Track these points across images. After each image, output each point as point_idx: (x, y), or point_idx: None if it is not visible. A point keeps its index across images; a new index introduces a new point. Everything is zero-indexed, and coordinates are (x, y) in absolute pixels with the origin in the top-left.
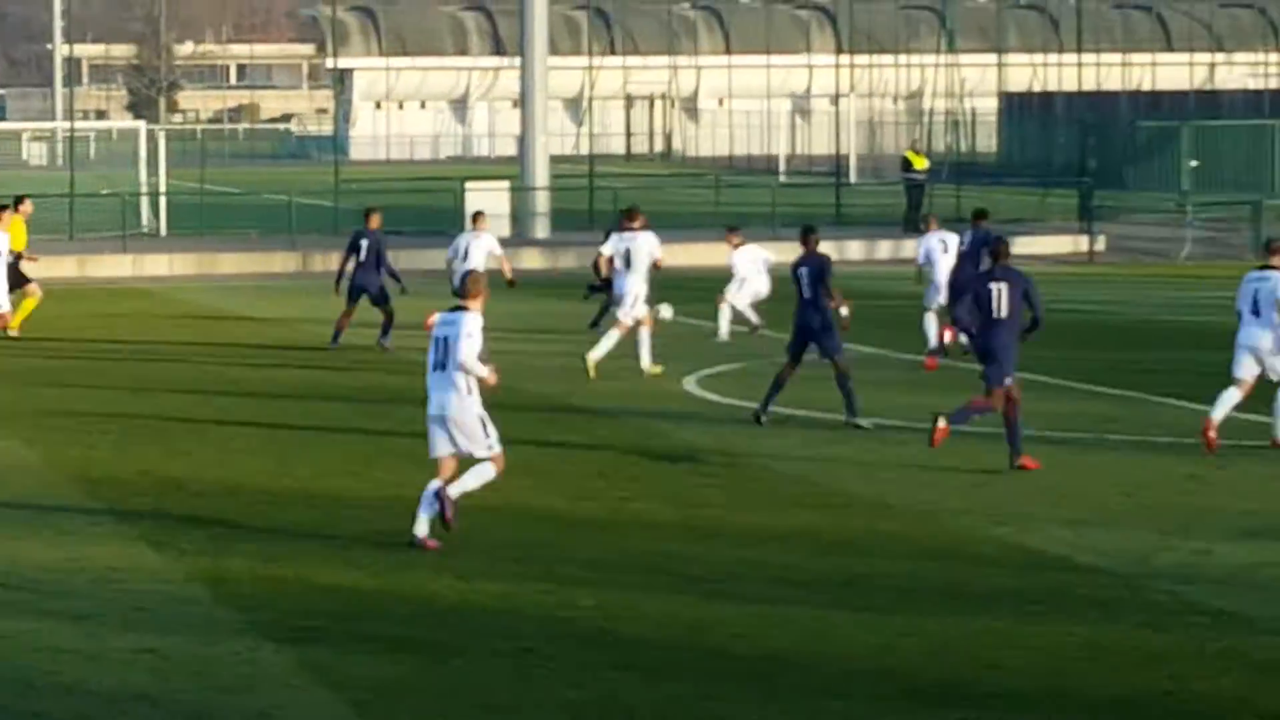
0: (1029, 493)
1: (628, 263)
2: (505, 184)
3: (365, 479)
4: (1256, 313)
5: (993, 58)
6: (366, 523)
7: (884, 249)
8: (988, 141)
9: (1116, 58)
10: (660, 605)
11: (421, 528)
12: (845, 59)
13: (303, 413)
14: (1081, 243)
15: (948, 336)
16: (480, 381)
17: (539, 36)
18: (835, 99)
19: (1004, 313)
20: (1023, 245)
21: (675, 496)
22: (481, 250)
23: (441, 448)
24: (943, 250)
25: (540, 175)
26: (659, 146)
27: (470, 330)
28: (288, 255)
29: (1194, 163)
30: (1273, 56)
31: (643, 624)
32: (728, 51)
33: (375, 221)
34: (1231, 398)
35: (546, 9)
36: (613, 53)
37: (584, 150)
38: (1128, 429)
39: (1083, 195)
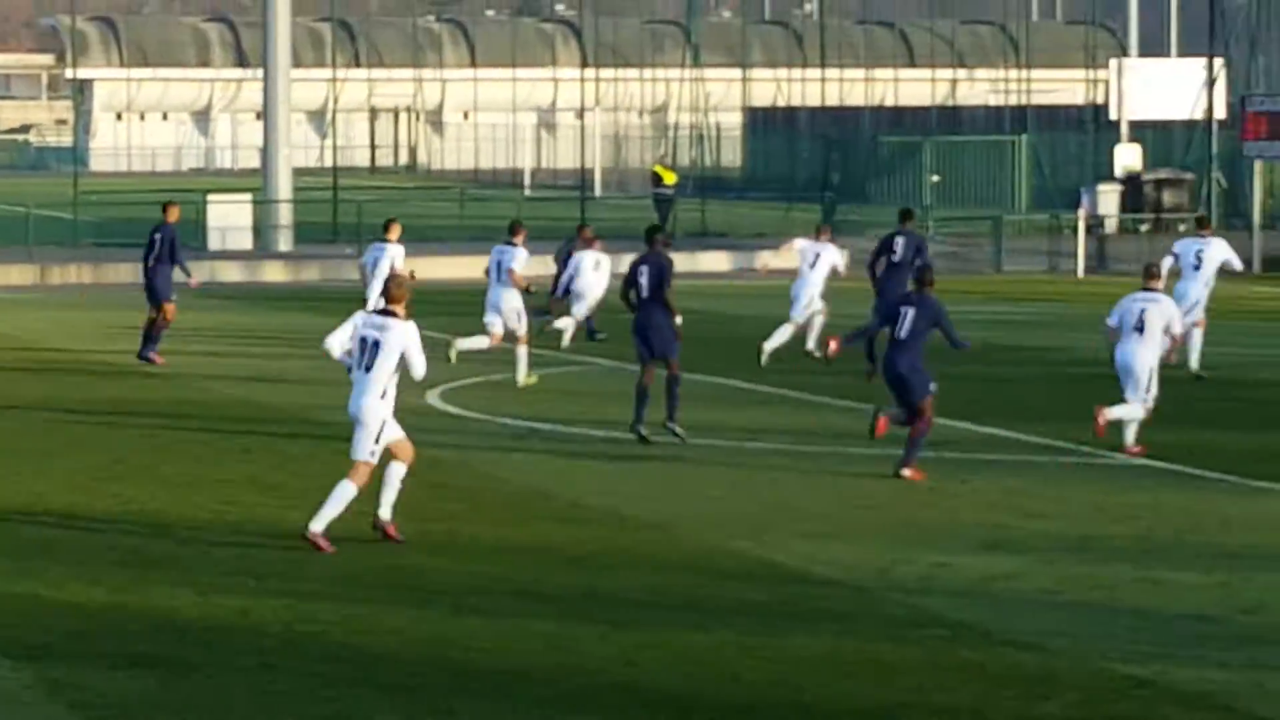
0: (768, 506)
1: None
2: (247, 197)
3: (100, 494)
4: (1140, 330)
5: (737, 73)
6: (104, 538)
7: (628, 263)
8: (732, 156)
9: (860, 73)
10: (401, 619)
11: (384, 511)
12: (590, 73)
13: (40, 427)
14: None
15: (832, 346)
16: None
17: (282, 48)
18: (580, 113)
19: (904, 334)
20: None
21: (417, 510)
22: (389, 258)
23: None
24: (810, 266)
25: (283, 188)
26: (404, 159)
27: (409, 345)
28: (25, 268)
29: (935, 178)
30: (1013, 73)
31: (384, 638)
32: (473, 64)
33: (173, 215)
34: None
35: (289, 21)
36: (357, 65)
37: (328, 163)
38: (868, 442)
39: (826, 210)
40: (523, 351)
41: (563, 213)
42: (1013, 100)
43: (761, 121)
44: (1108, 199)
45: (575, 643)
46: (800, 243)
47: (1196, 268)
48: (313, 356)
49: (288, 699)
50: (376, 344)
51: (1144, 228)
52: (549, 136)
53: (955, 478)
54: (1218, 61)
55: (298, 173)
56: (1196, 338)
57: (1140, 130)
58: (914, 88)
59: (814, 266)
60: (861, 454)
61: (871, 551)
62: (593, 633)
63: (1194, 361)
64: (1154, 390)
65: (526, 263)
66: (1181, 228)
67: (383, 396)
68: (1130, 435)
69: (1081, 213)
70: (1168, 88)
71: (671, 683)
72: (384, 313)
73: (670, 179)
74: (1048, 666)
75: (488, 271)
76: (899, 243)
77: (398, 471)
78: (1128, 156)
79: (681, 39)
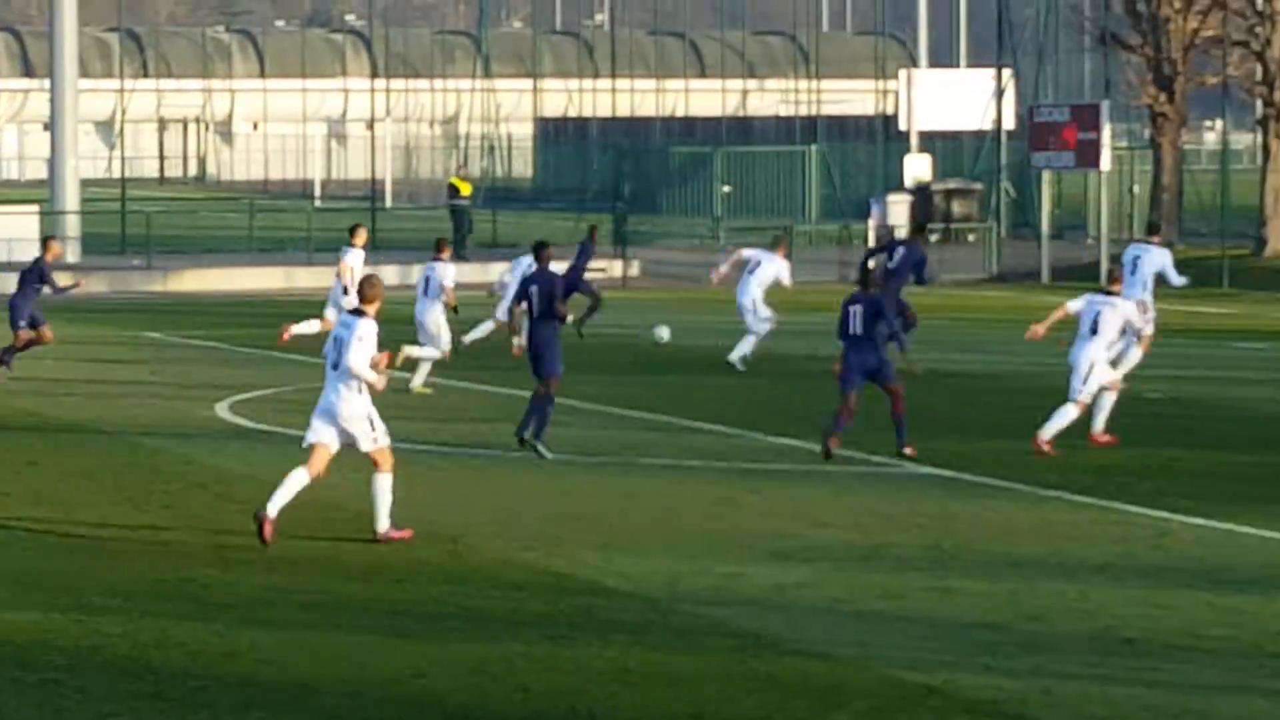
0: (560, 517)
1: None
2: (34, 208)
3: None
4: (1094, 331)
5: (528, 83)
6: None
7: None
8: (524, 167)
9: (651, 84)
10: (190, 632)
11: (382, 523)
12: (381, 83)
13: None
14: (616, 267)
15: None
16: (380, 383)
17: (69, 58)
18: (370, 123)
19: (858, 330)
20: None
21: (205, 523)
22: (360, 261)
23: (318, 435)
24: (749, 272)
25: (70, 199)
26: (193, 170)
27: (361, 334)
28: None
29: (727, 188)
30: (803, 83)
31: (173, 652)
32: (262, 75)
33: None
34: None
35: (76, 31)
36: (145, 75)
37: (116, 174)
38: (660, 453)
39: (617, 220)
40: (430, 356)
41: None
42: (803, 110)
43: (553, 132)
44: (897, 209)
45: (365, 655)
46: (747, 252)
47: (1134, 273)
48: (102, 367)
49: (76, 714)
50: (342, 342)
51: (933, 238)
52: (339, 147)
53: (745, 487)
54: (1006, 72)
55: (85, 184)
56: (1136, 356)
57: (930, 141)
58: (705, 98)
59: (753, 273)
60: (653, 464)
61: (662, 562)
62: (382, 645)
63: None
64: (1091, 385)
65: (455, 279)
66: (971, 238)
67: (359, 391)
68: (1099, 423)
69: (871, 223)
70: (957, 98)
71: (460, 695)
72: (355, 312)
73: (466, 190)
74: (837, 675)
75: (416, 285)
76: (899, 252)
77: (385, 483)
78: (917, 167)
79: (472, 49)
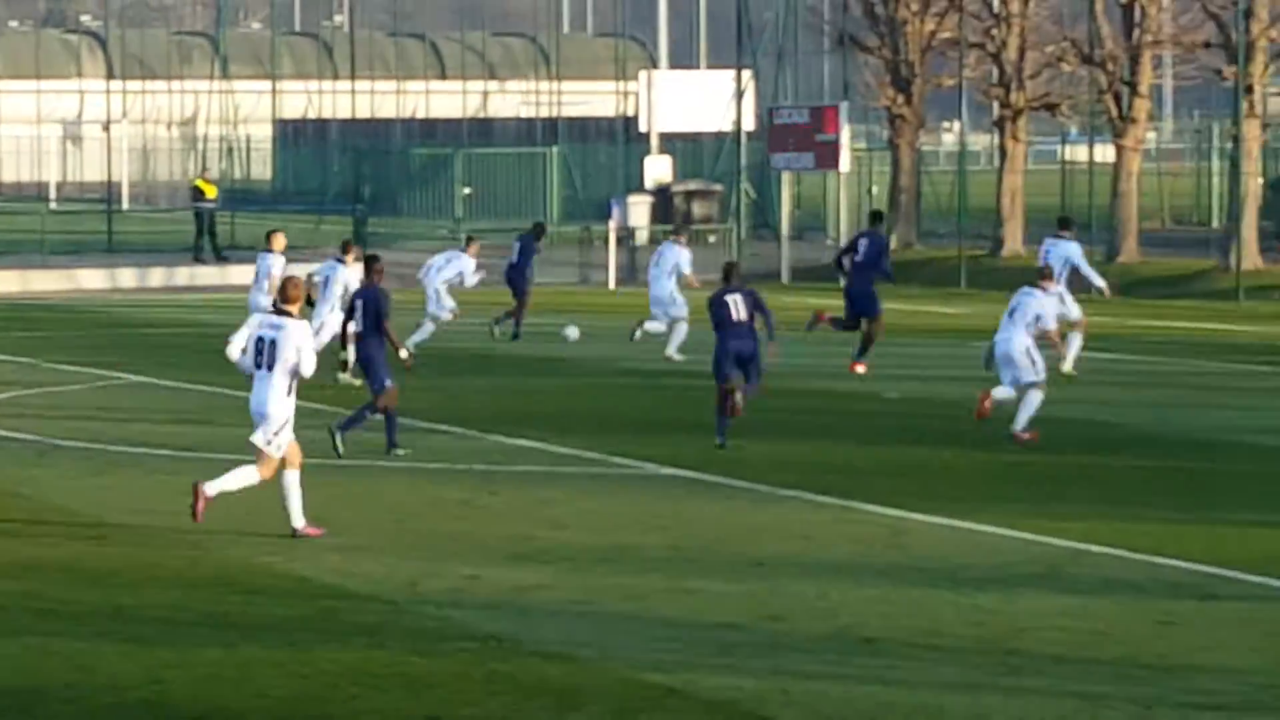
0: None
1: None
2: None
3: None
4: (1011, 317)
5: (267, 84)
6: None
7: (157, 276)
8: (263, 169)
9: (391, 85)
10: None
11: (296, 520)
12: (117, 85)
13: None
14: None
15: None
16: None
17: None
18: (107, 125)
19: (743, 317)
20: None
21: None
22: (280, 266)
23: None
24: (654, 264)
25: None
26: None
27: (302, 343)
28: None
29: (467, 190)
30: (544, 85)
31: None
32: None
33: None
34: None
35: None
36: None
37: None
38: (399, 456)
39: (357, 222)
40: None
41: (91, 226)
42: (544, 112)
43: (292, 133)
44: (638, 210)
45: (100, 661)
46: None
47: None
48: None
49: None
50: (274, 343)
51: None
52: (75, 149)
53: (485, 489)
54: (746, 74)
55: None
56: (1076, 341)
57: (670, 142)
58: (445, 100)
59: (657, 264)
60: (392, 466)
61: (402, 565)
62: (118, 651)
63: (1068, 364)
64: (1040, 365)
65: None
66: (711, 239)
67: (288, 393)
68: (1021, 420)
69: (612, 224)
70: (697, 100)
71: (198, 700)
72: (279, 313)
73: (211, 192)
74: (577, 677)
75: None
76: (862, 244)
77: (293, 479)
78: (658, 168)
79: (210, 50)
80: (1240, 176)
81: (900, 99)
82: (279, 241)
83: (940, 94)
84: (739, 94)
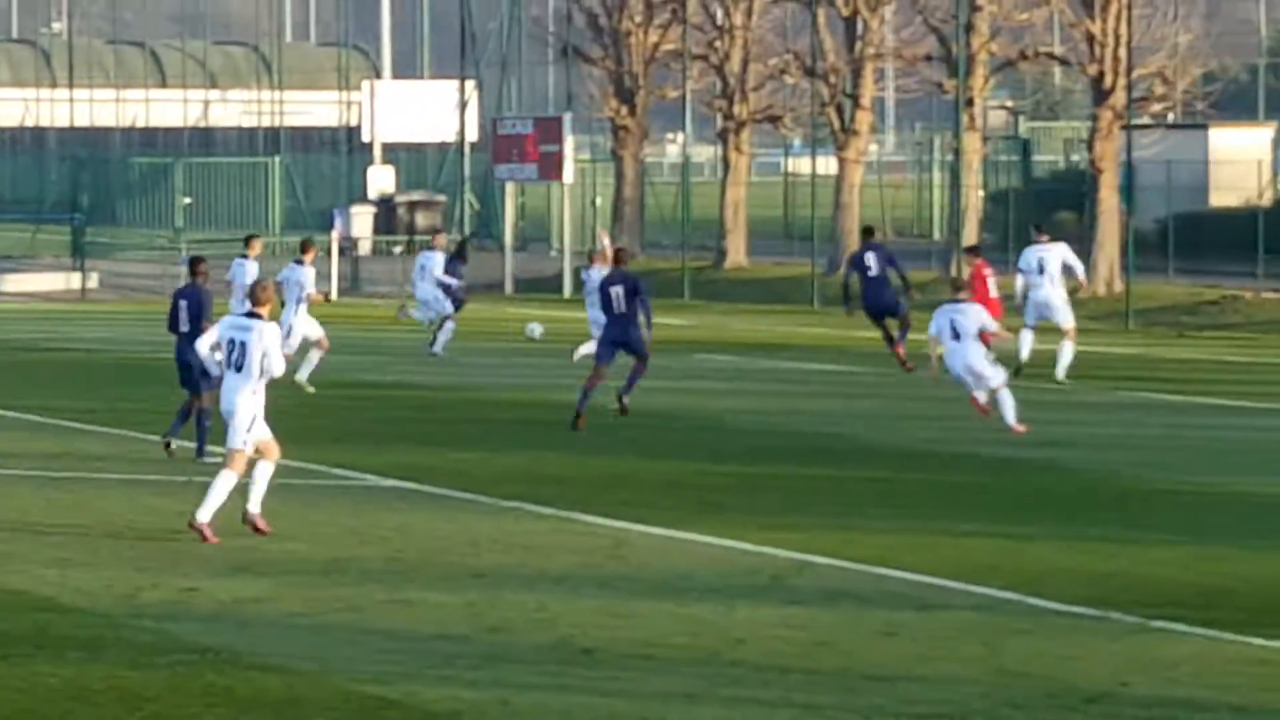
0: (13, 532)
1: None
2: None
3: None
4: (957, 338)
5: None
6: None
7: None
8: None
9: (111, 94)
10: None
11: (254, 506)
12: None
13: None
14: (74, 280)
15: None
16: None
17: None
18: None
19: (623, 309)
20: (13, 283)
21: None
22: (254, 272)
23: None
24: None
25: None
26: None
27: (270, 345)
28: None
29: (187, 199)
30: (266, 94)
31: None
32: None
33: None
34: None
35: None
36: None
37: None
38: (118, 468)
39: (75, 232)
40: (314, 358)
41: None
42: (266, 121)
43: (9, 141)
44: (361, 220)
45: None
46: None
47: (1041, 272)
48: None
49: None
50: (243, 344)
51: (397, 249)
52: None
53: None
54: (470, 84)
55: None
56: (1068, 349)
57: (394, 152)
58: (166, 108)
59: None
60: (107, 478)
61: (120, 577)
62: None
63: (1060, 371)
64: (999, 367)
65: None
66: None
67: (254, 393)
68: (1010, 415)
69: (335, 234)
70: (420, 110)
71: None
72: (249, 315)
73: None
74: (296, 689)
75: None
76: (870, 258)
77: (266, 469)
78: (381, 178)
79: None
80: (961, 189)
81: (624, 110)
82: (255, 247)
83: (664, 105)
84: (462, 104)
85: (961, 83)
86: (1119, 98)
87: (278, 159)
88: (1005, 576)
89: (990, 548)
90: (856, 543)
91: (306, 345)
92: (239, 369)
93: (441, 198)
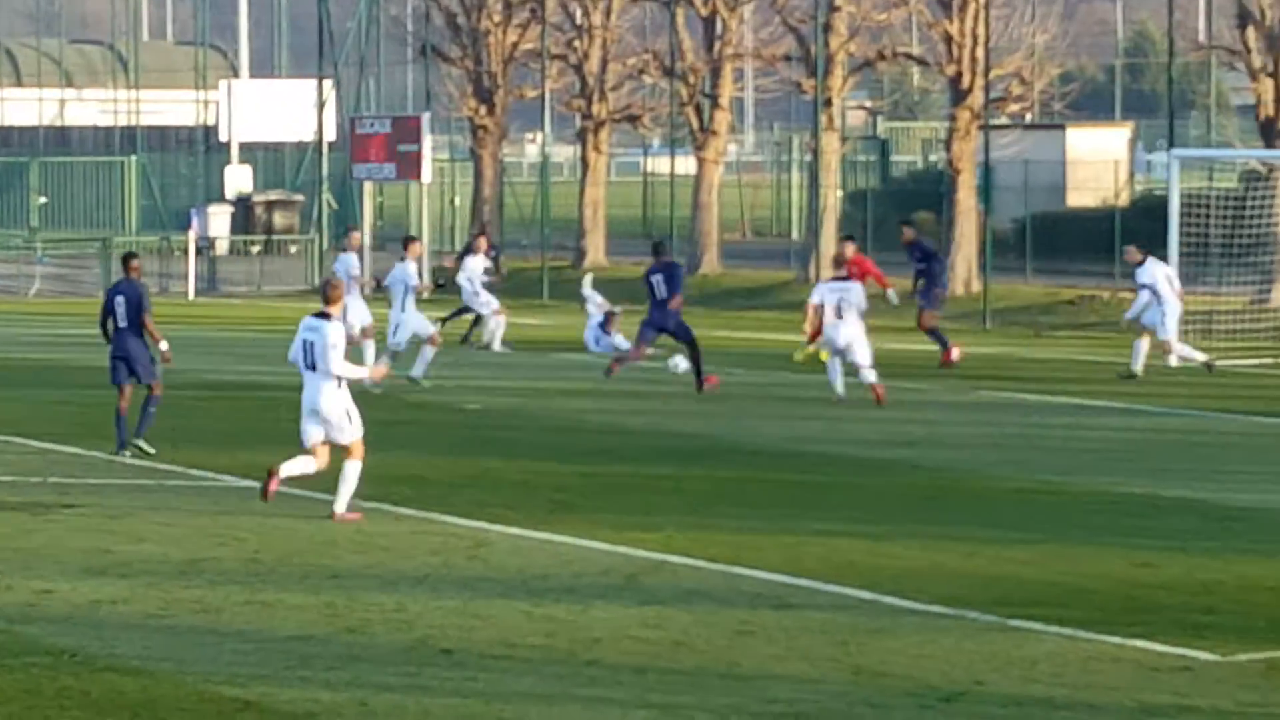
0: None
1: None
2: None
3: None
4: (840, 315)
5: None
6: None
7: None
8: None
9: None
10: None
11: (340, 504)
12: None
13: None
14: None
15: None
16: (368, 374)
17: None
18: None
19: (664, 294)
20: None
21: None
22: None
23: (311, 438)
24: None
25: None
26: None
27: (334, 343)
28: None
29: (42, 199)
30: (122, 93)
31: None
32: None
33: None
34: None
35: None
36: None
37: None
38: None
39: None
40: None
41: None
42: (123, 120)
43: None
44: (219, 220)
45: None
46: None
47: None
48: None
49: None
50: (312, 345)
51: (255, 249)
52: None
53: (60, 502)
54: (328, 83)
55: None
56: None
57: (252, 151)
58: (21, 107)
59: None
60: None
61: None
62: None
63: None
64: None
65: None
66: (293, 250)
67: (338, 386)
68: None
69: (192, 234)
70: (278, 109)
71: None
72: (319, 315)
73: None
74: (151, 691)
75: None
76: (917, 254)
77: (354, 468)
78: (238, 178)
79: None
80: (819, 189)
81: (483, 110)
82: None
83: (523, 105)
84: (320, 103)
85: (820, 83)
86: (976, 98)
87: (134, 158)
88: (863, 576)
89: (848, 547)
90: (713, 542)
91: (418, 341)
92: (313, 368)
93: (299, 197)
